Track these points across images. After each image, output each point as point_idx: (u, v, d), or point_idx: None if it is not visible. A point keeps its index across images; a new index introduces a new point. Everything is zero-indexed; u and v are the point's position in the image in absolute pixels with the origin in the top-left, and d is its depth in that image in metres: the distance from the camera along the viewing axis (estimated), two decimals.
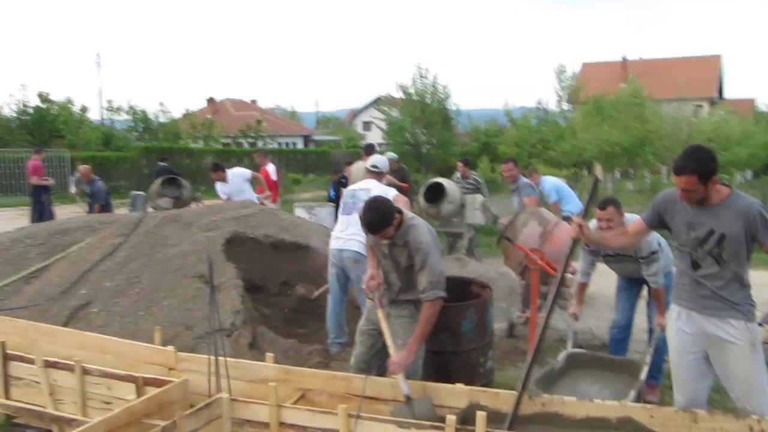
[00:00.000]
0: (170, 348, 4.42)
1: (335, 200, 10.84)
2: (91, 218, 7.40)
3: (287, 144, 46.87)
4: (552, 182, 8.77)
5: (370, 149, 9.48)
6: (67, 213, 16.52)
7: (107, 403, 4.19)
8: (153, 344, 4.77)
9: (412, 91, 26.29)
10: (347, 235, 5.62)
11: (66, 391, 4.31)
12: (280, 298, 6.41)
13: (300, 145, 49.14)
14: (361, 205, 5.70)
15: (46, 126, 32.14)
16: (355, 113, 73.87)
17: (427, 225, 4.31)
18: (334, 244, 5.70)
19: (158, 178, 19.21)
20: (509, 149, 24.59)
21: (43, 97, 34.45)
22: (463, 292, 4.82)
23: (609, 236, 4.08)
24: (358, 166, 9.37)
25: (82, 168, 10.81)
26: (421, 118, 26.11)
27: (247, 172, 9.41)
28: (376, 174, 5.89)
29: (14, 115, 33.48)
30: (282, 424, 3.66)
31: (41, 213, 13.25)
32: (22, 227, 7.24)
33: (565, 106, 27.83)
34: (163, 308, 5.41)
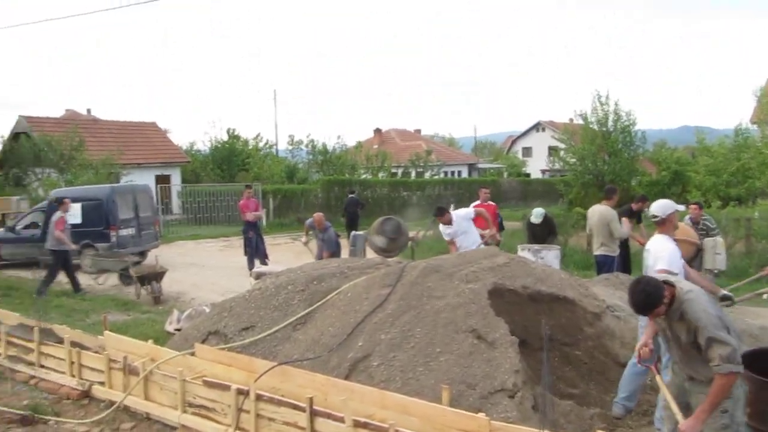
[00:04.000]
0: (482, 415, 4.29)
1: None
2: (340, 263, 7.59)
3: (452, 173, 47.02)
4: None
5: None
6: (279, 244, 17.49)
7: None
8: (440, 404, 4.69)
9: (592, 119, 25.34)
10: None
11: None
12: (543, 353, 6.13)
13: (464, 174, 49.12)
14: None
15: (234, 160, 34.53)
16: (514, 139, 72.94)
17: (706, 295, 3.96)
18: None
19: (348, 209, 20.11)
20: (704, 179, 22.87)
21: (231, 134, 37.21)
22: None
23: None
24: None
25: (317, 216, 11.32)
26: (603, 146, 25.06)
27: (470, 212, 9.42)
28: (659, 223, 5.50)
29: (207, 150, 36.43)
30: None
31: (252, 248, 14.00)
32: (281, 272, 7.56)
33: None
34: (441, 364, 5.33)
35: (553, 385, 5.85)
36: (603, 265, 9.13)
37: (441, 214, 9.18)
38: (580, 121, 26.47)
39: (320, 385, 4.99)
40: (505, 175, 49.84)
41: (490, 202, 11.29)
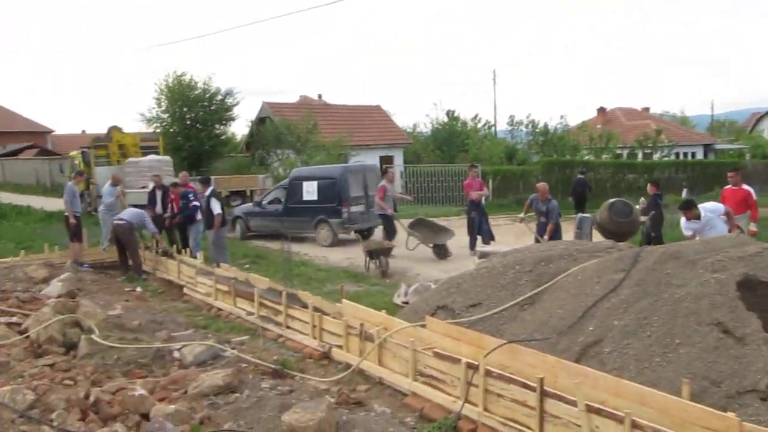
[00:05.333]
0: (731, 414, 3.97)
1: None
2: (568, 246, 7.43)
3: (684, 155, 43.38)
4: None
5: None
6: (499, 225, 17.55)
7: None
8: (680, 398, 4.40)
9: None
10: None
11: None
12: None
13: (699, 155, 45.07)
14: None
15: (453, 141, 35.09)
16: (759, 117, 65.43)
17: None
18: None
19: (576, 189, 19.58)
20: None
21: (451, 115, 37.81)
22: None
23: None
24: None
25: (541, 185, 11.15)
26: None
27: (720, 208, 8.83)
28: None
29: (428, 132, 37.47)
30: None
31: (475, 228, 14.13)
32: (508, 252, 7.59)
33: None
34: (680, 357, 5.01)
35: None
36: None
37: (688, 207, 8.70)
38: None
39: (550, 366, 4.94)
40: (748, 156, 44.80)
41: (744, 186, 10.18)
